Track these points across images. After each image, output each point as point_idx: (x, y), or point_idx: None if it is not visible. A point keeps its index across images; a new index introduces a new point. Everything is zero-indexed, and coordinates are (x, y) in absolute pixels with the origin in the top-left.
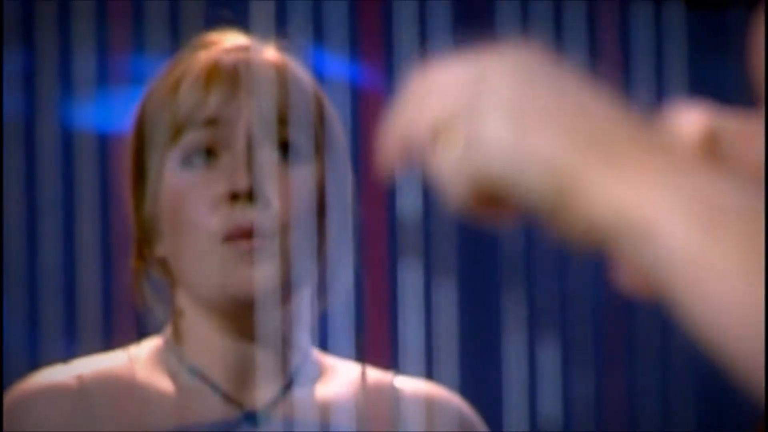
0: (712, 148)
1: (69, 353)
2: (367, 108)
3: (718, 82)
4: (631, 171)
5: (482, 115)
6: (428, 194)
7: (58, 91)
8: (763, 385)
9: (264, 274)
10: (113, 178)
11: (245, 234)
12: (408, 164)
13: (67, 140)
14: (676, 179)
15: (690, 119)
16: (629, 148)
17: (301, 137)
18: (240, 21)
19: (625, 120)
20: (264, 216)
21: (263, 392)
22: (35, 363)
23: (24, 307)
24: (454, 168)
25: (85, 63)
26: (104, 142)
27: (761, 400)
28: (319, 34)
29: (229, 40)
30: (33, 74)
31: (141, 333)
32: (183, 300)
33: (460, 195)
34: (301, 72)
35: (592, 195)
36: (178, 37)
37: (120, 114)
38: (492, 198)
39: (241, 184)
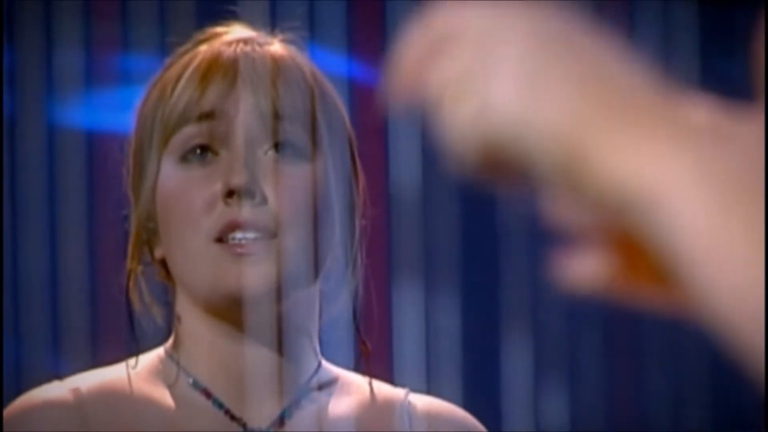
0: (714, 145)
1: (52, 360)
2: (363, 105)
3: (730, 79)
4: (644, 139)
5: (493, 78)
6: (427, 190)
7: (43, 89)
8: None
9: (259, 273)
10: (100, 177)
11: (240, 229)
12: (410, 103)
13: (53, 138)
14: (693, 150)
15: (694, 113)
16: (644, 116)
17: (300, 133)
18: (233, 18)
19: (641, 87)
20: (260, 213)
21: (268, 408)
22: (18, 371)
23: (6, 310)
24: (462, 129)
25: (70, 60)
26: (90, 141)
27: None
28: (315, 31)
29: (232, 33)
30: (18, 72)
31: (130, 337)
32: (183, 304)
33: (468, 157)
34: (305, 66)
35: (603, 162)
36: (165, 34)
37: (106, 112)
38: (501, 162)
39: (237, 180)
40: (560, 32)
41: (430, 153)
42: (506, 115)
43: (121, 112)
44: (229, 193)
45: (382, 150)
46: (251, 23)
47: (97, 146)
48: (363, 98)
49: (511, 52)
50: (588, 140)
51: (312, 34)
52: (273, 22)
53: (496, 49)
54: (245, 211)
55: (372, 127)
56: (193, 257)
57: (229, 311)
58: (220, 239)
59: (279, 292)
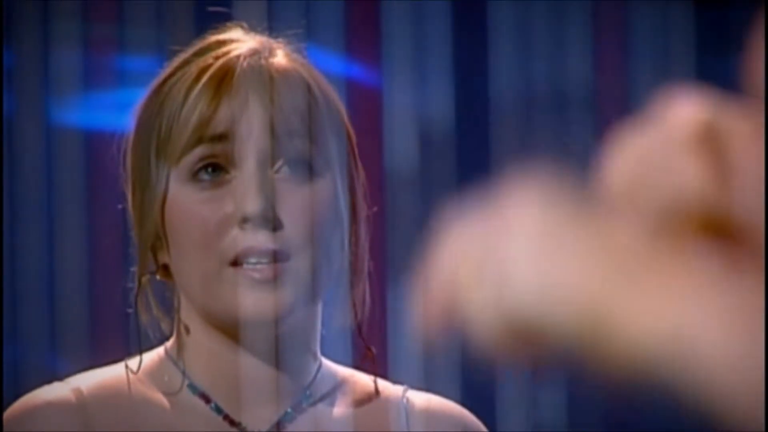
0: (709, 141)
1: (50, 360)
2: (359, 105)
3: (726, 81)
4: (664, 292)
5: (508, 261)
6: (424, 189)
7: (41, 90)
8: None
9: (275, 299)
10: (98, 177)
11: (255, 255)
12: (449, 327)
13: (51, 139)
14: (711, 294)
15: (685, 108)
16: (659, 269)
17: (310, 149)
18: (229, 19)
19: (650, 243)
20: (275, 237)
21: (267, 413)
22: (17, 372)
23: (5, 310)
24: (484, 313)
25: (68, 61)
26: (88, 141)
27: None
28: (311, 31)
29: (237, 44)
30: (16, 72)
31: (135, 346)
32: (187, 313)
33: (494, 339)
34: (310, 77)
35: (628, 321)
36: (162, 35)
37: (104, 112)
38: (528, 338)
39: (252, 208)
40: (567, 212)
41: (426, 152)
42: (526, 294)
43: (119, 113)
44: (244, 219)
45: (378, 150)
46: (247, 25)
47: (95, 146)
48: (359, 98)
49: (522, 236)
50: (610, 303)
51: (309, 34)
52: (270, 25)
53: (507, 234)
54: (261, 237)
55: (368, 127)
56: (207, 280)
57: (237, 328)
58: (236, 263)
59: (292, 314)
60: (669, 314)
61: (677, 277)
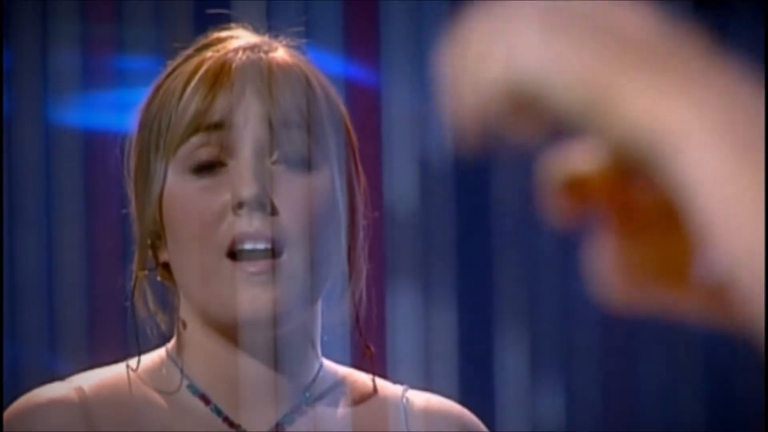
0: (723, 92)
1: (49, 360)
2: (358, 105)
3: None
4: (665, 80)
5: (517, 33)
6: (422, 189)
7: (40, 90)
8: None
9: (272, 297)
10: (96, 177)
11: (251, 239)
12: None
13: (49, 139)
14: (710, 98)
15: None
16: (663, 58)
17: (308, 142)
18: (229, 20)
19: (656, 32)
20: (270, 224)
21: (267, 415)
22: (16, 371)
23: (6, 309)
24: (488, 83)
25: (67, 61)
26: (87, 141)
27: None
28: (310, 31)
29: (237, 40)
30: (15, 72)
31: (133, 342)
32: (186, 313)
33: (501, 113)
34: (310, 73)
35: (628, 103)
36: (161, 35)
37: (103, 112)
38: (531, 107)
39: (248, 192)
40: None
41: (425, 152)
42: (532, 65)
43: (117, 113)
44: (239, 205)
45: (377, 150)
46: (246, 25)
47: (93, 146)
48: (358, 98)
49: (532, 9)
50: (612, 82)
51: (307, 34)
52: (269, 24)
53: (517, 8)
54: (256, 222)
55: (367, 128)
56: (205, 275)
57: (235, 328)
58: (232, 253)
59: (290, 314)
60: (667, 105)
61: (677, 68)
